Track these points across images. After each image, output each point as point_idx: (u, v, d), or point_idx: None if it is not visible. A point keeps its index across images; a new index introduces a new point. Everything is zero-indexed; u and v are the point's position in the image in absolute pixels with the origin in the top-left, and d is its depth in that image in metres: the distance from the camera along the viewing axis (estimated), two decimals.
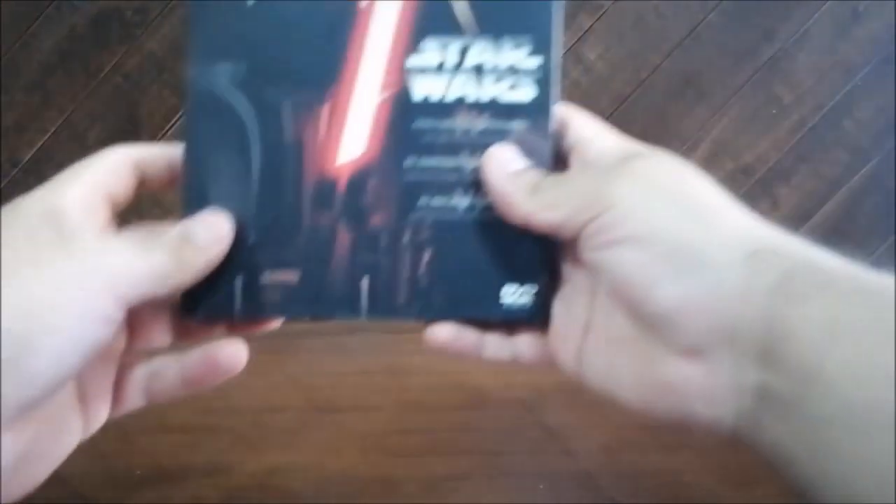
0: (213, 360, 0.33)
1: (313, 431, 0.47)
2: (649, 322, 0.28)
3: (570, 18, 1.04)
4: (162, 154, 0.34)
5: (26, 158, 1.03)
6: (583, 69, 1.05)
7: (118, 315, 0.29)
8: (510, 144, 0.33)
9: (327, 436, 0.48)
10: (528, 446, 0.57)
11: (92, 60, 1.02)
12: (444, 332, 0.34)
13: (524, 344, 0.34)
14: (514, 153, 0.33)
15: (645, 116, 1.06)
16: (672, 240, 0.28)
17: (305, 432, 0.48)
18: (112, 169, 0.32)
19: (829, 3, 1.05)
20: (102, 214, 0.31)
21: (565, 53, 1.04)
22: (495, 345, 0.34)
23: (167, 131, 1.04)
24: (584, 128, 0.33)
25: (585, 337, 0.32)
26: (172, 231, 0.31)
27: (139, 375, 0.33)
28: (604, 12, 1.04)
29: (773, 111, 1.07)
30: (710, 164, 1.08)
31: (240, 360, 0.33)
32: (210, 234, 0.32)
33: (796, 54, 1.06)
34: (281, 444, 0.48)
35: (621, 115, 1.06)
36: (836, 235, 1.10)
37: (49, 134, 1.03)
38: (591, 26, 1.04)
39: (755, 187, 1.09)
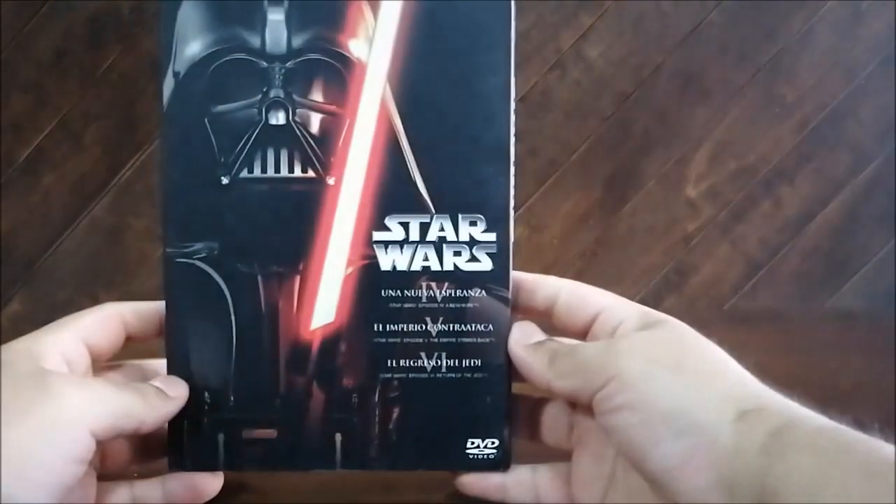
0: (192, 486, 0.37)
1: None
2: (654, 479, 0.31)
3: (571, 16, 1.04)
4: (151, 310, 0.37)
5: (22, 158, 1.02)
6: (584, 68, 1.05)
7: (89, 453, 0.31)
8: (527, 323, 0.37)
9: None
10: None
11: (88, 60, 1.01)
12: (467, 478, 0.38)
13: (548, 489, 0.37)
14: (533, 328, 0.37)
15: (646, 116, 1.06)
16: (668, 404, 0.31)
17: None
18: (99, 324, 0.36)
19: (831, 2, 1.05)
20: (82, 364, 0.34)
21: (567, 51, 1.04)
22: (518, 489, 0.38)
23: None
24: (603, 296, 0.37)
25: (608, 488, 0.35)
26: (142, 382, 0.35)
27: (121, 498, 0.36)
28: (605, 10, 1.03)
29: (776, 111, 1.07)
30: (712, 163, 1.07)
31: (217, 483, 0.37)
32: (173, 389, 0.35)
33: (799, 54, 1.06)
34: None
35: (622, 115, 1.06)
36: (839, 236, 1.10)
37: (45, 133, 1.02)
38: (592, 24, 1.04)
39: (757, 187, 1.08)
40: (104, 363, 0.37)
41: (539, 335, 0.37)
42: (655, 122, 1.06)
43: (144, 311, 0.37)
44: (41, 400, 0.30)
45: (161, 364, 0.38)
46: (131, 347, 0.38)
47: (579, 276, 1.06)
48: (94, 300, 1.11)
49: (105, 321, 0.36)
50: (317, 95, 0.36)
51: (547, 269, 1.03)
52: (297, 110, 0.36)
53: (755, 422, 0.29)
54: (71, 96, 1.02)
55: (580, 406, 0.36)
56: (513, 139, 0.37)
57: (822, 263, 1.11)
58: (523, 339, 0.37)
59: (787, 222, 1.10)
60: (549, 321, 0.38)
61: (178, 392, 0.36)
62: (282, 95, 0.36)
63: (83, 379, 0.34)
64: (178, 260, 0.36)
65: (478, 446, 0.37)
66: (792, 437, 0.28)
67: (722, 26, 1.05)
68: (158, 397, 0.35)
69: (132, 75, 1.02)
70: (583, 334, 0.37)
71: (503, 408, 0.37)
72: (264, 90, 0.36)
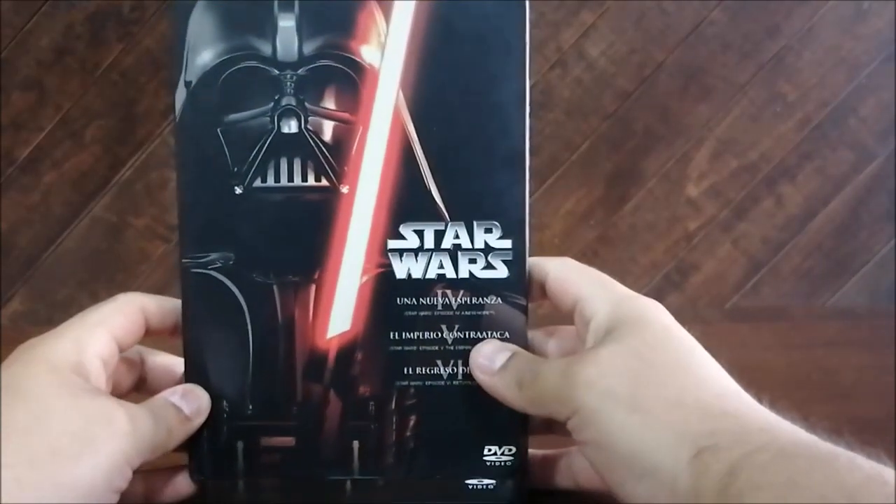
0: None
1: None
2: None
3: (572, 14, 1.03)
4: (171, 306, 0.37)
5: (23, 156, 1.02)
6: (585, 66, 1.05)
7: (126, 484, 0.33)
8: (489, 342, 0.36)
9: None
10: None
11: (89, 58, 1.01)
12: None
13: (586, 473, 0.37)
14: (493, 350, 0.36)
15: (648, 114, 1.06)
16: (625, 446, 0.31)
17: None
18: (126, 319, 0.36)
19: (833, 0, 1.05)
20: (112, 364, 0.35)
21: (568, 49, 1.04)
22: (558, 474, 0.38)
23: (164, 129, 1.03)
24: (581, 283, 0.36)
25: None
26: (167, 406, 0.35)
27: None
28: (606, 8, 1.03)
29: (778, 109, 1.07)
30: (713, 162, 1.07)
31: None
32: (192, 406, 0.36)
33: (801, 52, 1.05)
34: None
35: (624, 113, 1.05)
36: (840, 234, 1.10)
37: (45, 132, 1.02)
38: (593, 22, 1.04)
39: (759, 185, 1.08)
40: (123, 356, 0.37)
41: (502, 354, 0.36)
42: (657, 120, 1.06)
43: (165, 307, 0.37)
44: (105, 435, 0.32)
45: (175, 361, 0.38)
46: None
47: None
48: (95, 299, 1.11)
49: (131, 315, 0.36)
50: (329, 103, 0.36)
51: None
52: (310, 118, 0.36)
53: (710, 460, 0.29)
54: (71, 95, 1.01)
55: None
56: (528, 145, 0.36)
57: (823, 262, 1.11)
58: (487, 365, 0.36)
59: (789, 220, 1.09)
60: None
61: (198, 411, 0.36)
62: (294, 103, 0.36)
63: (135, 412, 0.34)
64: (194, 270, 0.36)
65: (495, 453, 0.37)
66: (748, 477, 0.28)
67: (723, 24, 1.04)
68: (179, 422, 0.35)
69: (132, 73, 1.02)
70: (571, 317, 0.37)
71: (519, 415, 0.36)
72: (276, 98, 0.36)
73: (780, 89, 1.06)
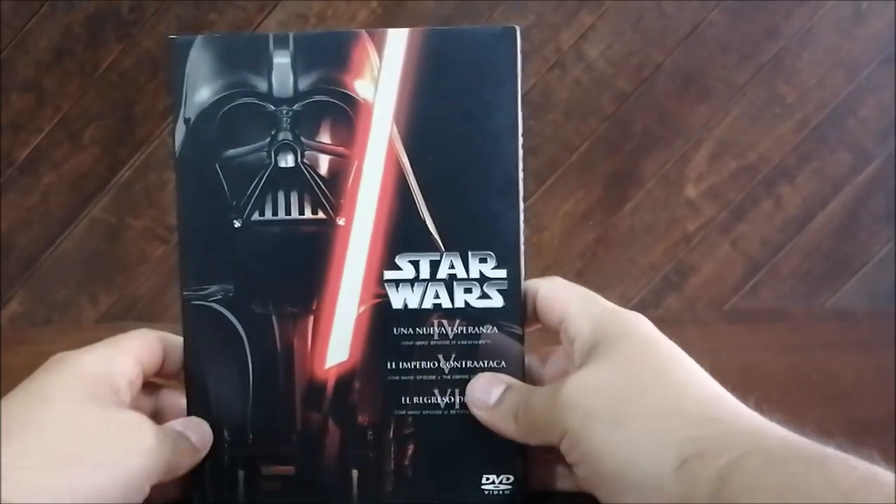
0: None
1: None
2: None
3: (571, 16, 1.04)
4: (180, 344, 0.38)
5: (21, 158, 1.02)
6: (584, 67, 1.05)
7: (140, 500, 0.33)
8: (483, 376, 0.37)
9: None
10: None
11: (88, 59, 1.01)
12: None
13: None
14: (489, 382, 0.36)
15: (646, 116, 1.06)
16: (611, 461, 0.31)
17: None
18: (147, 348, 0.37)
19: (832, 2, 1.05)
20: (137, 387, 0.36)
21: (567, 50, 1.04)
22: None
23: (163, 130, 1.03)
24: (565, 302, 0.37)
25: None
26: (177, 433, 0.36)
27: None
28: (605, 10, 1.03)
29: (777, 110, 1.07)
30: (712, 163, 1.07)
31: None
32: (196, 437, 0.36)
33: (800, 53, 1.06)
34: None
35: (623, 114, 1.06)
36: (839, 235, 1.10)
37: (44, 133, 1.02)
38: (592, 24, 1.04)
39: (758, 187, 1.08)
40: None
41: (496, 389, 0.36)
42: (656, 121, 1.06)
43: (178, 342, 0.38)
44: (132, 447, 0.32)
45: (174, 395, 0.39)
46: None
47: (579, 275, 1.06)
48: (94, 299, 1.11)
49: (153, 343, 0.37)
50: (325, 137, 0.37)
51: (547, 269, 1.03)
52: (306, 152, 0.37)
53: (698, 468, 0.29)
54: (70, 96, 1.01)
55: None
56: (521, 174, 0.37)
57: (822, 263, 1.11)
58: (483, 400, 0.36)
59: (788, 222, 1.09)
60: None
61: (203, 442, 0.37)
62: (290, 138, 0.37)
63: (160, 431, 0.34)
64: (195, 302, 0.37)
65: (493, 482, 0.37)
66: (738, 482, 0.28)
67: (722, 25, 1.04)
68: (187, 449, 0.36)
69: (131, 75, 1.02)
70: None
71: (518, 444, 0.36)
72: (273, 133, 0.37)
73: (780, 90, 1.06)
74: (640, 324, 0.35)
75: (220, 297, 0.37)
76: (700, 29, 1.04)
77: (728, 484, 0.28)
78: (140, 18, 1.00)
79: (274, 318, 0.37)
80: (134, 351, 0.36)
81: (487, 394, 0.36)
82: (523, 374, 0.37)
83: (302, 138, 0.36)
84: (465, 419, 0.37)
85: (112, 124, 1.02)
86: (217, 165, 0.37)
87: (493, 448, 0.37)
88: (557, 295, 0.37)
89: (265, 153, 0.37)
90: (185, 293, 0.37)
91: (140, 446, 0.33)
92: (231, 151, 0.37)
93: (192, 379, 0.38)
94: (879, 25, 1.05)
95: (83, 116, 1.02)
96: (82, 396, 0.33)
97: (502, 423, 0.36)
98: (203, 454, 0.37)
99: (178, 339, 0.38)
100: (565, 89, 1.04)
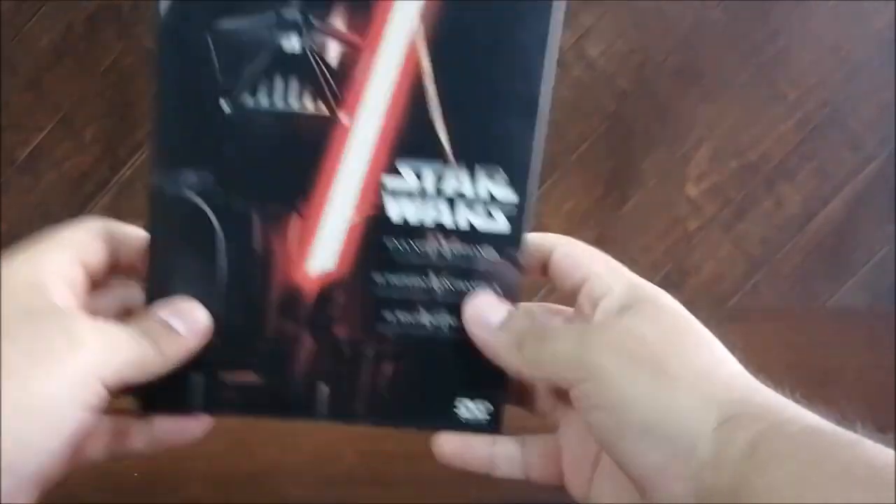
0: (183, 423, 0.35)
1: (312, 433, 0.46)
2: (631, 479, 0.31)
3: (572, 14, 1.03)
4: (135, 235, 0.34)
5: (22, 157, 1.02)
6: (584, 65, 1.05)
7: (101, 402, 0.31)
8: (487, 292, 0.34)
9: (326, 438, 0.47)
10: None
11: (88, 58, 1.01)
12: (450, 445, 0.35)
13: (536, 465, 0.36)
14: (492, 302, 0.34)
15: (647, 114, 1.06)
16: (647, 411, 0.30)
17: (304, 434, 0.47)
18: (91, 242, 0.33)
19: (832, 1, 1.05)
20: (80, 284, 0.33)
21: (567, 49, 1.04)
22: (507, 463, 0.36)
23: None
24: (593, 262, 0.35)
25: (594, 470, 0.35)
26: (153, 319, 0.32)
27: (102, 432, 0.35)
28: (606, 9, 1.03)
29: (778, 109, 1.07)
30: (713, 162, 1.07)
31: (207, 422, 0.35)
32: (189, 327, 0.33)
33: (801, 52, 1.05)
34: (279, 445, 0.48)
35: (623, 113, 1.05)
36: (840, 234, 1.10)
37: (45, 132, 1.02)
38: (593, 23, 1.03)
39: (759, 186, 1.08)
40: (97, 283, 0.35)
41: (500, 310, 0.34)
42: (656, 120, 1.06)
43: (131, 234, 0.35)
44: (62, 347, 0.30)
45: None
46: None
47: None
48: None
49: (96, 239, 0.34)
50: (338, 22, 0.32)
51: None
52: (315, 36, 0.32)
53: (736, 428, 0.28)
54: (71, 94, 1.01)
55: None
56: (548, 96, 0.34)
57: (823, 261, 1.10)
58: (484, 317, 0.34)
59: (789, 220, 1.09)
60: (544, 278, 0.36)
61: (192, 330, 0.33)
62: (299, 18, 0.32)
63: (102, 325, 0.32)
64: (167, 190, 0.33)
65: (468, 408, 0.35)
66: (772, 447, 0.27)
67: (723, 24, 1.04)
68: (170, 340, 0.32)
69: (132, 73, 1.02)
70: (573, 296, 0.35)
71: (499, 371, 0.35)
72: (279, 9, 0.32)
73: (780, 89, 1.06)
74: (671, 298, 0.34)
75: (195, 186, 0.33)
76: (700, 27, 1.04)
77: (760, 448, 0.27)
78: (141, 17, 1.00)
79: (255, 215, 0.34)
80: (63, 244, 0.33)
81: (491, 313, 0.34)
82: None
83: (312, 19, 0.32)
84: (450, 342, 0.35)
85: (113, 123, 1.02)
86: (208, 37, 0.32)
87: (474, 374, 0.35)
88: (581, 254, 0.36)
89: (267, 31, 0.32)
90: (154, 180, 0.33)
91: (74, 347, 0.30)
92: (227, 23, 0.32)
93: (156, 272, 0.34)
94: (881, 24, 1.05)
95: (84, 116, 1.02)
96: (3, 308, 0.30)
97: (504, 348, 0.34)
98: (194, 341, 0.33)
99: (131, 230, 0.34)
100: (566, 88, 1.04)
